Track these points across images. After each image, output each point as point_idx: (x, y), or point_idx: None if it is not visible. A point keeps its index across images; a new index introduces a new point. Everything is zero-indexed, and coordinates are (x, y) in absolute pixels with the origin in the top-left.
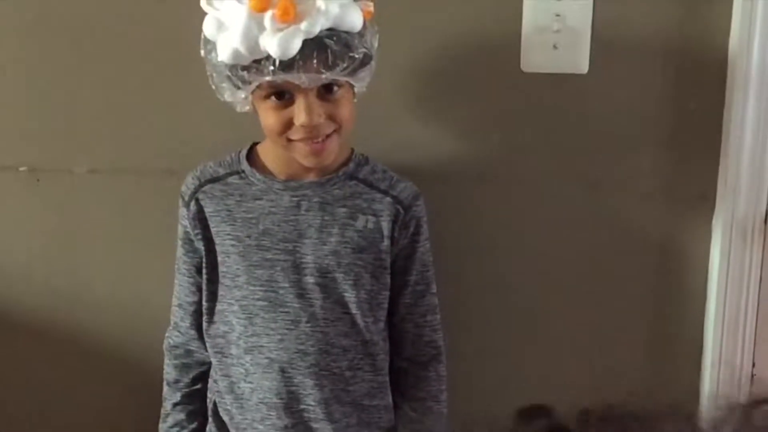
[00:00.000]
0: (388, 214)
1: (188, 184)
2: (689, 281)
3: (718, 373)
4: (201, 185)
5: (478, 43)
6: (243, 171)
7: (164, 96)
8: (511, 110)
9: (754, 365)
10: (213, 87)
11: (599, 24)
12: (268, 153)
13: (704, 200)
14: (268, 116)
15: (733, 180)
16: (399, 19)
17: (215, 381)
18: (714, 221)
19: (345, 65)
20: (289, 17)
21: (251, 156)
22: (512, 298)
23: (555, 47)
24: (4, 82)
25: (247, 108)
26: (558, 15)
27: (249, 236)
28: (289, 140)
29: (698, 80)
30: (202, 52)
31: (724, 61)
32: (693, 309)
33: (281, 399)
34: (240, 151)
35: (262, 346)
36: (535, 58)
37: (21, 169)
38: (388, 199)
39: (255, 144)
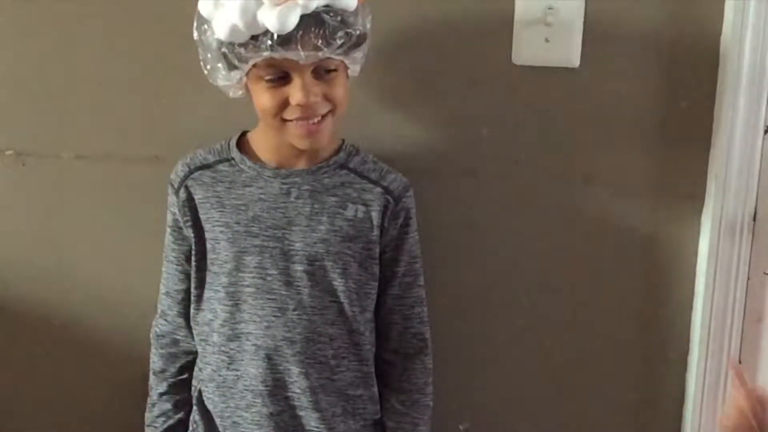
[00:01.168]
0: (378, 204)
1: (177, 171)
2: (677, 278)
3: (705, 369)
4: (191, 172)
5: (470, 35)
6: (233, 158)
7: (153, 82)
8: (502, 103)
9: (740, 362)
10: (205, 71)
11: (591, 18)
12: (258, 141)
13: (693, 198)
14: (263, 96)
15: (722, 178)
16: (390, 8)
17: (200, 369)
18: (703, 219)
19: (341, 41)
20: None
21: (241, 144)
22: (500, 293)
23: (547, 40)
24: None
25: (240, 93)
26: (550, 8)
27: (238, 222)
28: (284, 121)
29: (690, 77)
30: (195, 34)
31: (715, 59)
32: (681, 306)
33: (267, 386)
34: (230, 139)
35: (249, 333)
36: (526, 51)
37: (7, 152)
38: (379, 189)
39: (245, 132)
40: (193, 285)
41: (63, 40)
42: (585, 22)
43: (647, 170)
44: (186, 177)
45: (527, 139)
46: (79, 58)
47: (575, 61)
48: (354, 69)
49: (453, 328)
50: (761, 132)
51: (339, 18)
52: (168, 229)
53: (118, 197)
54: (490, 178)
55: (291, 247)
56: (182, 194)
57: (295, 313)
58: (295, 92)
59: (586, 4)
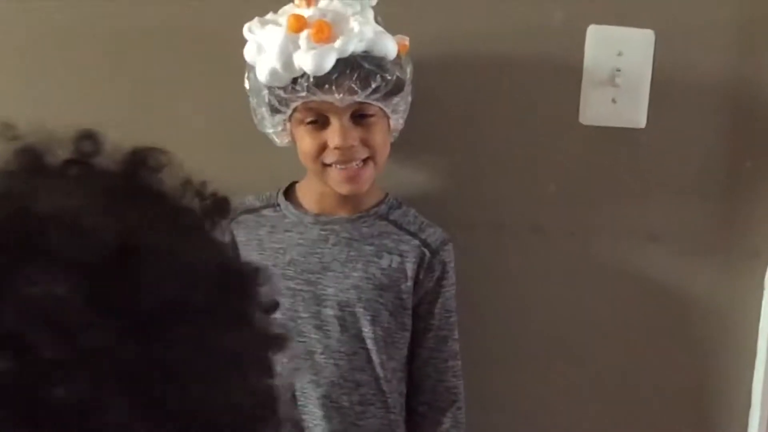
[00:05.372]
0: (414, 256)
1: None
2: (739, 340)
3: None
4: (237, 215)
5: (539, 95)
6: (278, 204)
7: (221, 136)
8: (568, 162)
9: None
10: (255, 120)
11: (658, 79)
12: (304, 190)
13: (758, 257)
14: (304, 140)
15: None
16: (460, 66)
17: None
18: (767, 279)
19: (377, 85)
20: (324, 36)
21: (289, 193)
22: (556, 349)
23: (614, 101)
24: (59, 117)
25: (287, 141)
26: (618, 70)
27: (275, 265)
28: (324, 165)
29: (754, 137)
30: (246, 83)
31: None
32: (741, 368)
33: None
34: (280, 188)
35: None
36: (593, 112)
37: None
38: (416, 241)
39: (295, 183)
40: None
41: (128, 93)
42: (652, 84)
43: (711, 229)
44: (232, 220)
45: (593, 197)
46: (149, 111)
47: (642, 122)
48: (396, 120)
49: (499, 380)
50: None
51: (376, 63)
52: None
53: None
54: (557, 235)
55: (323, 292)
56: (227, 236)
57: (323, 356)
58: (332, 135)
59: (654, 66)
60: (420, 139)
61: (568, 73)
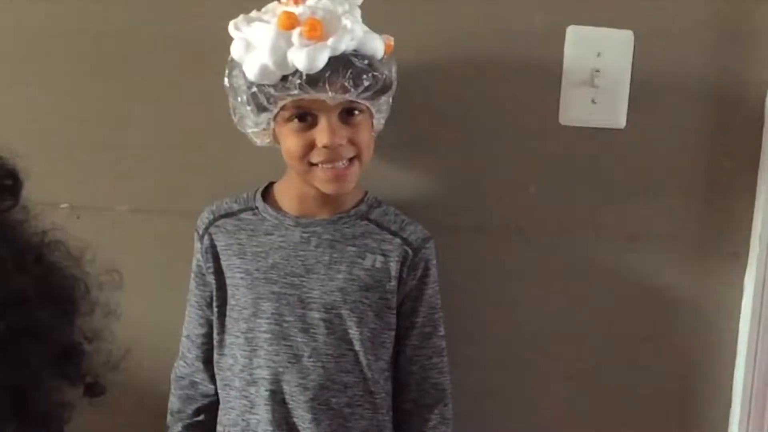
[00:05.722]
0: (397, 255)
1: (203, 218)
2: (720, 338)
3: (747, 430)
4: (215, 219)
5: (519, 97)
6: (256, 207)
7: (209, 137)
8: (549, 162)
9: None
10: (234, 119)
11: (637, 80)
12: (283, 191)
13: (737, 257)
14: (290, 140)
15: (766, 238)
16: (440, 69)
17: (224, 414)
18: (746, 278)
19: (368, 84)
20: (316, 34)
21: (267, 194)
22: (541, 350)
23: (593, 102)
24: (47, 119)
25: (268, 141)
26: (597, 71)
27: (258, 269)
28: (311, 165)
29: (734, 137)
30: (226, 81)
31: (760, 119)
32: (723, 366)
33: (282, 431)
34: (256, 190)
35: (263, 378)
36: (573, 113)
37: (62, 206)
38: (398, 240)
39: (272, 183)
40: (215, 330)
41: (115, 95)
42: (631, 84)
43: (691, 229)
44: (210, 224)
45: (573, 198)
46: (134, 112)
47: (621, 122)
48: (379, 120)
49: (486, 381)
50: None
51: (366, 62)
52: (192, 275)
53: (174, 250)
54: (537, 236)
55: (308, 295)
56: (206, 241)
57: (310, 360)
58: (321, 134)
59: (633, 67)
60: (399, 142)
61: (548, 74)
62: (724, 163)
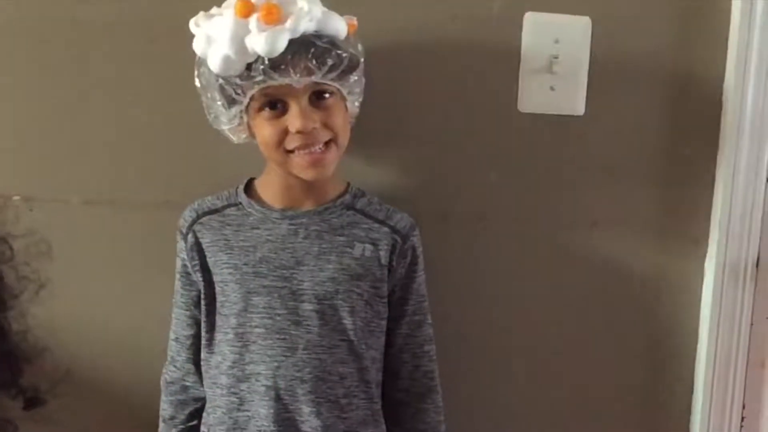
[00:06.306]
0: (387, 243)
1: (186, 216)
2: (681, 322)
3: (709, 415)
4: (198, 217)
5: (477, 84)
6: (240, 203)
7: (164, 127)
8: (509, 150)
9: (744, 407)
10: (209, 117)
11: (596, 67)
12: (265, 185)
13: (697, 243)
14: (264, 129)
15: (725, 224)
16: (397, 55)
17: (208, 413)
18: (706, 264)
19: (333, 63)
20: (273, 18)
21: (249, 190)
22: (504, 334)
23: (552, 89)
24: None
25: (245, 137)
26: (556, 57)
27: (246, 264)
28: (287, 153)
29: (692, 125)
30: (197, 81)
31: (718, 106)
32: (684, 350)
33: (278, 426)
34: (238, 186)
35: (258, 374)
36: (532, 100)
37: (15, 198)
38: (386, 228)
39: (253, 180)
40: (203, 329)
41: (71, 85)
42: (590, 71)
43: (651, 215)
44: (194, 222)
45: (534, 185)
46: (89, 102)
47: (580, 109)
48: (352, 102)
49: (457, 369)
50: (764, 179)
51: (329, 41)
52: (177, 275)
53: (129, 243)
54: (498, 222)
55: (299, 287)
56: (190, 239)
57: (305, 352)
58: (293, 119)
59: (591, 53)
60: (359, 130)
61: (506, 61)
62: (683, 149)
